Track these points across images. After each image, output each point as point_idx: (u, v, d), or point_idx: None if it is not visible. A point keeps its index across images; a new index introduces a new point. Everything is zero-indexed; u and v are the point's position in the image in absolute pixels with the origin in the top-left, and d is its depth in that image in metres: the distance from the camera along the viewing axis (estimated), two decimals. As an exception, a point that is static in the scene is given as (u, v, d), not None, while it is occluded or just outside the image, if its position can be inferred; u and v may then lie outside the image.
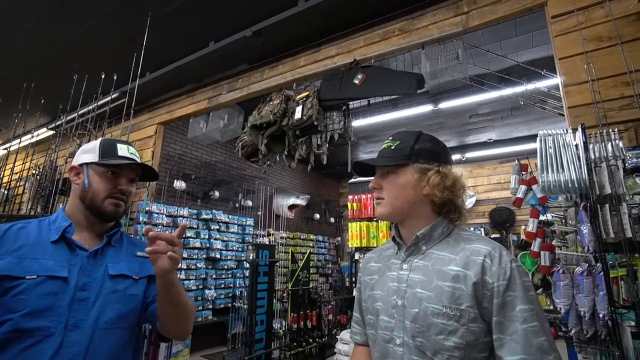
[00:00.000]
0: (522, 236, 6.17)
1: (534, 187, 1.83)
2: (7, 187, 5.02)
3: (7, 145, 4.35)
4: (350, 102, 2.97)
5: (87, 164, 0.99)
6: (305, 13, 2.74)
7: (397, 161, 0.89)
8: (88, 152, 1.01)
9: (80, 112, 3.65)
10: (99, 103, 3.57)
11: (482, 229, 6.69)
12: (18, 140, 4.17)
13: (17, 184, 4.87)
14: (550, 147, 1.46)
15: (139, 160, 1.04)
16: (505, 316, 0.75)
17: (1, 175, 4.24)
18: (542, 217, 1.93)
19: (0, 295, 0.84)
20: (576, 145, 1.52)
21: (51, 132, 4.84)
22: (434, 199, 0.87)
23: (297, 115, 2.90)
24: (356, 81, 2.74)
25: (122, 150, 1.01)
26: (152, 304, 1.01)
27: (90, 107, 3.57)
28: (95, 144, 1.03)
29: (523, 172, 1.92)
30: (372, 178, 0.97)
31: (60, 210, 1.02)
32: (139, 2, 2.81)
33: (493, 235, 6.59)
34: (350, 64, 2.86)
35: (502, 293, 0.76)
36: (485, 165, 7.29)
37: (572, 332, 1.44)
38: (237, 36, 3.05)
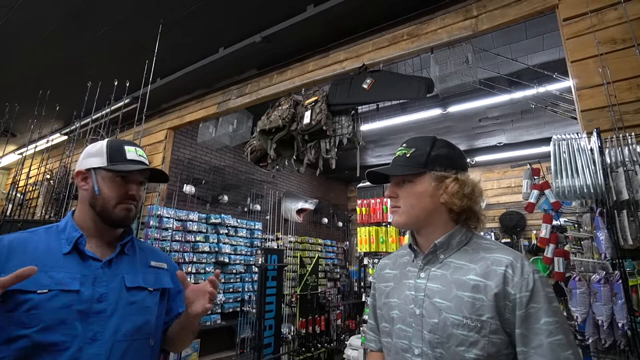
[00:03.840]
0: (534, 241, 6.07)
1: (546, 191, 1.80)
2: (23, 192, 5.14)
3: (23, 150, 4.45)
4: (359, 107, 2.97)
5: (95, 168, 0.95)
6: (314, 18, 2.75)
7: (413, 169, 0.88)
8: (95, 155, 0.96)
9: (93, 118, 3.72)
10: (112, 109, 3.64)
11: (492, 234, 6.59)
12: (33, 146, 4.27)
13: (32, 189, 4.97)
14: (564, 152, 1.43)
15: (147, 162, 1.00)
16: (529, 329, 0.73)
17: (17, 180, 4.33)
18: (555, 223, 1.89)
19: (11, 311, 0.81)
20: (591, 150, 1.49)
21: (65, 137, 4.93)
22: (453, 207, 0.85)
23: (306, 120, 2.91)
24: (365, 86, 2.74)
25: (130, 153, 0.97)
26: (167, 326, 1.05)
27: (103, 113, 3.63)
28: (102, 146, 0.97)
29: (535, 177, 1.89)
30: (386, 184, 0.96)
31: (68, 217, 0.97)
32: (150, 10, 2.86)
33: (503, 240, 6.48)
34: (359, 68, 2.86)
35: (525, 304, 0.74)
36: (495, 169, 7.20)
37: (590, 341, 1.40)
38: (247, 42, 3.08)
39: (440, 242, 0.86)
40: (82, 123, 4.02)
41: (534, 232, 6.31)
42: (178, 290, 1.07)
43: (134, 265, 0.98)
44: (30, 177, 4.64)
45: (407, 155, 0.90)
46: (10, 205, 4.68)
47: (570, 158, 1.43)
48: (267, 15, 2.90)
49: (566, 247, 1.96)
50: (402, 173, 0.89)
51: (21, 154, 4.55)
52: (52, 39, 3.26)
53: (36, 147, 4.28)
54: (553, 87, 3.01)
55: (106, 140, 1.01)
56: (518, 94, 3.70)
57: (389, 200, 0.94)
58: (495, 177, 7.19)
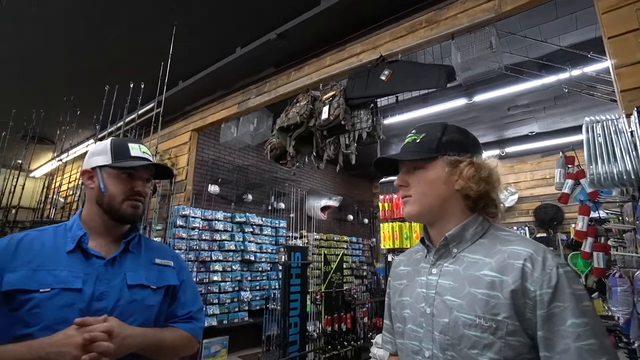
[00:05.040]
0: (572, 235, 5.71)
1: (582, 181, 1.66)
2: (64, 196, 5.48)
3: (63, 156, 4.73)
4: (379, 100, 2.89)
5: (100, 167, 0.96)
6: (328, 12, 2.71)
7: (425, 154, 0.81)
8: (99, 154, 0.98)
9: (120, 124, 3.86)
10: (139, 113, 3.76)
11: (527, 228, 6.27)
12: (72, 152, 4.52)
13: (72, 193, 5.30)
14: (599, 135, 1.30)
15: (151, 159, 1.01)
16: (553, 331, 0.64)
17: (58, 185, 4.61)
18: (593, 214, 1.74)
19: (15, 309, 0.82)
20: (631, 132, 1.34)
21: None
22: (470, 192, 0.78)
23: (324, 115, 2.87)
24: (383, 77, 2.66)
25: (134, 150, 0.98)
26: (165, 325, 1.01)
27: (130, 118, 3.76)
28: (106, 145, 0.99)
29: (569, 165, 1.75)
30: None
31: (76, 216, 0.99)
32: (166, 15, 2.91)
33: (539, 235, 6.15)
34: (376, 60, 2.78)
35: (547, 303, 0.65)
36: (528, 160, 6.83)
37: (636, 345, 1.27)
38: (262, 40, 3.08)
39: (452, 234, 0.79)
40: (112, 129, 4.19)
41: (573, 225, 5.93)
42: (184, 290, 1.06)
43: (137, 263, 0.98)
44: (72, 182, 4.93)
45: (417, 141, 0.84)
46: (54, 209, 5.01)
47: (607, 142, 1.29)
48: (282, 12, 2.88)
49: (609, 242, 1.80)
50: (412, 158, 0.83)
51: (60, 160, 4.83)
52: (75, 47, 3.41)
53: (76, 153, 4.53)
54: (589, 69, 2.79)
55: (110, 138, 1.02)
56: (550, 79, 3.46)
57: (399, 190, 0.87)
58: (528, 168, 6.83)
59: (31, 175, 7.18)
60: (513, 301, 0.67)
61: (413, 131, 0.88)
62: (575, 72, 2.85)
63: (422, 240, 0.88)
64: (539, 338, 0.66)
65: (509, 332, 0.67)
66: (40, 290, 0.83)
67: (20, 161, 4.55)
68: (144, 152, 1.00)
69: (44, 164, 6.87)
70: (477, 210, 0.81)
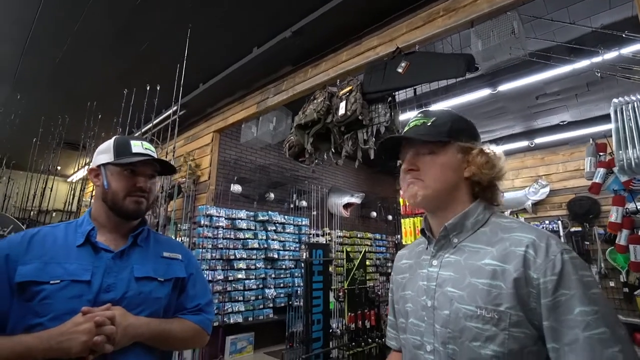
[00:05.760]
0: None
1: (615, 169, 1.55)
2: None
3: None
4: (397, 93, 2.84)
5: (104, 164, 1.00)
6: (342, 6, 2.68)
7: (440, 138, 0.79)
8: (104, 152, 1.01)
9: (143, 129, 3.99)
10: (154, 122, 3.87)
11: (560, 222, 5.97)
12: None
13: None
14: (630, 118, 1.20)
15: (154, 155, 1.02)
16: (560, 320, 0.61)
17: (86, 188, 4.82)
18: (629, 205, 1.63)
19: (28, 300, 0.86)
20: (668, 115, 1.24)
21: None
22: (481, 180, 0.77)
23: (341, 111, 2.84)
24: (400, 70, 2.60)
25: (136, 147, 1.00)
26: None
27: (148, 127, 3.88)
28: (110, 143, 1.02)
29: (600, 153, 1.64)
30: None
31: (86, 213, 1.03)
32: (182, 19, 2.97)
33: (573, 229, 5.84)
34: (393, 52, 2.73)
35: (551, 291, 0.62)
36: (560, 150, 6.49)
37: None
38: (278, 38, 3.10)
39: (451, 224, 0.77)
40: (139, 133, 4.34)
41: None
42: (192, 283, 1.08)
43: (145, 256, 1.00)
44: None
45: (428, 124, 0.81)
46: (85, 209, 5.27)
47: (638, 124, 1.19)
48: (296, 9, 2.88)
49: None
50: (429, 139, 0.79)
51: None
52: (100, 55, 3.56)
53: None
54: (624, 51, 2.62)
55: (114, 137, 1.05)
56: (581, 64, 3.26)
57: (406, 175, 0.82)
58: (560, 159, 6.49)
59: (68, 180, 7.57)
60: (516, 290, 0.64)
61: (419, 115, 0.85)
62: (609, 55, 2.67)
63: (422, 232, 0.86)
64: (545, 328, 0.62)
65: (513, 323, 0.63)
66: (51, 282, 0.86)
67: (58, 167, 4.80)
68: (146, 148, 1.02)
69: (78, 170, 7.23)
70: (480, 197, 0.79)
